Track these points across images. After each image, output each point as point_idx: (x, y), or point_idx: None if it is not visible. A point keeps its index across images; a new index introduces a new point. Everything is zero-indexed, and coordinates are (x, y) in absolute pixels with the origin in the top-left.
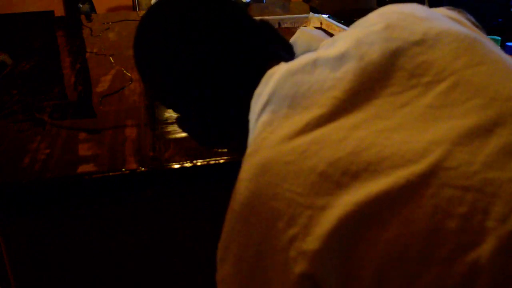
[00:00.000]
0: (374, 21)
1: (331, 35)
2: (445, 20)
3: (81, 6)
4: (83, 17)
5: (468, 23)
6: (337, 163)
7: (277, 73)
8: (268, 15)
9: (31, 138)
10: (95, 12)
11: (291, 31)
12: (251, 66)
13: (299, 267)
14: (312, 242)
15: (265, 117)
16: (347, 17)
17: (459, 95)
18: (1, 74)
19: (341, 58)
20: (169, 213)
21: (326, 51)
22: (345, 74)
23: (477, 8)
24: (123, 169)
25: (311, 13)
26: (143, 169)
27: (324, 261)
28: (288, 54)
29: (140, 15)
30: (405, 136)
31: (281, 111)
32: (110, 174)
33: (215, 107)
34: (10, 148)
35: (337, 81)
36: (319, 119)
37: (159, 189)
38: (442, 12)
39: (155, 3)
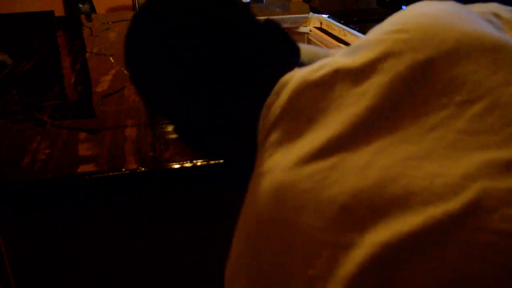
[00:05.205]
0: (400, 27)
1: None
2: (481, 22)
3: (81, 6)
4: (83, 17)
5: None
6: (361, 195)
7: (292, 82)
8: (268, 15)
9: (31, 138)
10: (95, 12)
11: (291, 31)
12: (257, 69)
13: None
14: (334, 286)
15: (277, 132)
16: (347, 17)
17: (497, 119)
18: (1, 74)
19: (364, 70)
20: (169, 213)
21: (348, 60)
22: (368, 89)
23: None
24: (123, 169)
25: (311, 13)
26: (143, 169)
27: None
28: (297, 57)
29: None
30: (435, 167)
31: (296, 127)
32: (110, 174)
33: (219, 113)
34: (10, 148)
35: (358, 97)
36: (338, 139)
37: (159, 189)
38: (477, 10)
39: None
